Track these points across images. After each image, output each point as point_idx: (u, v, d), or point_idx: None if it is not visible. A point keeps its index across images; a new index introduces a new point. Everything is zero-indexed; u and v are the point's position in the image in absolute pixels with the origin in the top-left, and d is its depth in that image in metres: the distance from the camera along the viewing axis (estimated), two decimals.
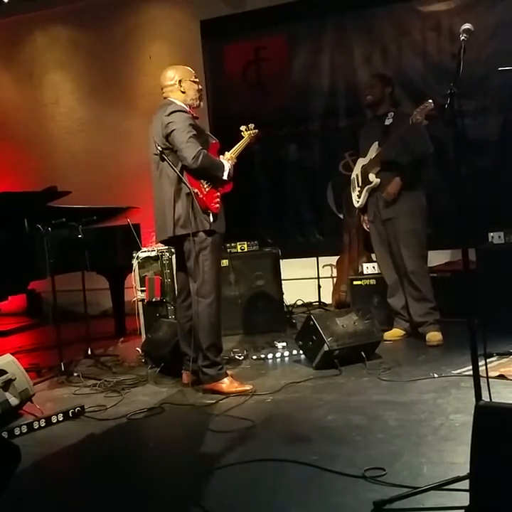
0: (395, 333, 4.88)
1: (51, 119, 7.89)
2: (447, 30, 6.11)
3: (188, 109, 3.87)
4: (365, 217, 4.96)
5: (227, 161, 3.93)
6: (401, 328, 4.88)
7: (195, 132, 3.74)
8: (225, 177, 3.86)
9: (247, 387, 3.83)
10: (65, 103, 7.80)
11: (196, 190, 3.74)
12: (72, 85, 7.77)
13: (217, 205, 3.84)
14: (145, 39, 7.44)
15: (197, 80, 3.97)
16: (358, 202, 4.96)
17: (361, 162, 4.93)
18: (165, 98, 3.94)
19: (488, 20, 5.92)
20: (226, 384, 3.84)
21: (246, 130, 4.14)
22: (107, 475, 2.87)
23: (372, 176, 4.77)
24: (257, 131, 4.18)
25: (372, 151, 4.81)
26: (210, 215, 3.80)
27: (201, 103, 4.02)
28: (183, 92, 3.90)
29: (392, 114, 4.74)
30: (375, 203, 4.82)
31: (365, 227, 5.01)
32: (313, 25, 6.72)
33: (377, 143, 4.76)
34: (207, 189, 3.80)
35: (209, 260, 3.82)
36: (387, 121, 4.74)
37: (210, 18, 7.10)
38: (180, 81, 3.91)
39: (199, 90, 3.97)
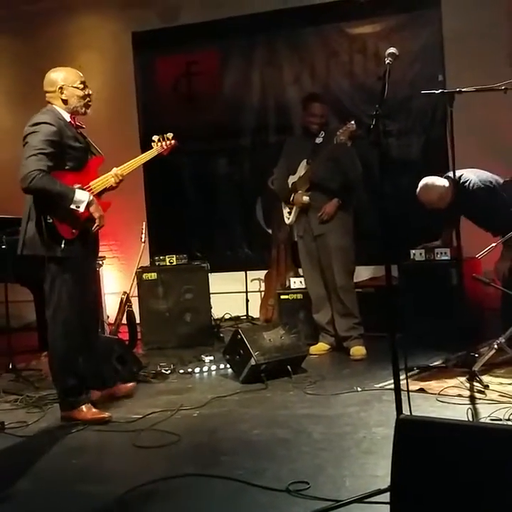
0: (320, 347, 4.95)
1: None
2: (373, 53, 6.27)
3: (68, 118, 3.60)
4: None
5: (110, 177, 3.62)
6: (326, 342, 4.96)
7: (47, 150, 3.39)
8: (77, 207, 3.43)
9: (105, 415, 3.61)
10: None
11: (47, 214, 3.44)
12: None
13: (75, 231, 3.50)
14: (75, 48, 7.29)
15: (82, 85, 3.64)
16: (288, 219, 4.99)
17: (291, 179, 4.94)
18: (48, 103, 3.63)
19: (412, 45, 6.11)
20: (83, 411, 3.60)
21: (158, 141, 3.87)
22: (25, 493, 2.77)
23: (302, 195, 4.79)
24: (173, 142, 3.88)
25: (301, 169, 4.85)
26: (63, 241, 3.47)
27: (88, 110, 3.68)
28: (65, 100, 3.60)
29: (323, 133, 4.78)
30: (306, 219, 4.86)
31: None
32: (244, 43, 6.78)
33: (305, 161, 4.81)
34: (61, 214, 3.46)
35: (65, 285, 3.54)
36: (318, 140, 4.79)
37: (143, 31, 7.06)
38: (61, 88, 3.59)
39: (85, 96, 3.64)
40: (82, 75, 3.69)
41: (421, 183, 4.58)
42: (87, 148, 3.68)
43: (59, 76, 3.64)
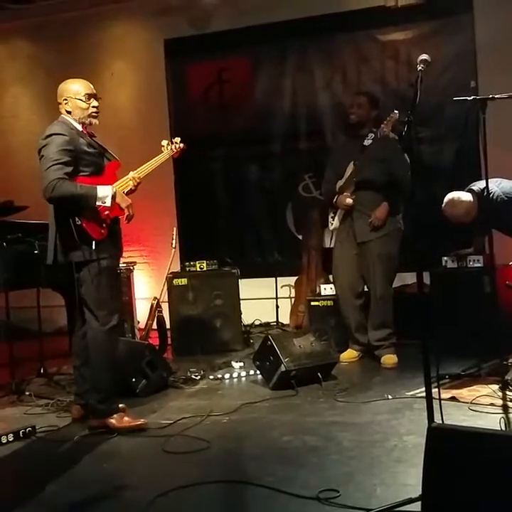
0: (349, 354, 4.91)
1: (10, 132, 7.77)
2: (405, 59, 6.24)
3: (79, 127, 3.63)
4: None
5: (129, 180, 3.65)
6: (356, 349, 4.92)
7: (64, 159, 3.44)
8: (103, 203, 3.47)
9: (140, 422, 3.60)
10: (25, 117, 7.71)
11: (75, 217, 3.47)
12: (32, 99, 7.69)
13: (103, 231, 3.54)
14: (107, 56, 7.41)
15: (85, 97, 3.64)
16: (332, 224, 4.90)
17: (339, 184, 4.83)
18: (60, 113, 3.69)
19: (445, 51, 6.06)
20: (116, 419, 3.58)
21: (167, 145, 3.93)
22: (56, 496, 2.81)
23: (346, 197, 4.71)
24: (182, 146, 3.95)
25: (348, 171, 4.77)
26: (93, 242, 3.49)
27: (95, 121, 3.69)
28: (69, 111, 3.64)
29: (372, 135, 4.68)
30: (350, 224, 4.78)
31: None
32: (275, 49, 6.79)
33: (352, 162, 4.73)
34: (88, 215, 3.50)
35: (103, 286, 3.55)
36: (367, 142, 4.68)
37: (174, 38, 7.12)
38: (65, 99, 3.65)
39: (88, 108, 3.65)
40: (90, 86, 3.70)
41: (446, 199, 4.47)
42: (102, 154, 3.70)
43: (66, 88, 3.69)
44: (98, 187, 3.50)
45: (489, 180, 3.96)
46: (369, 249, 4.73)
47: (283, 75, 6.78)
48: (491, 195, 4.25)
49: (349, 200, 4.71)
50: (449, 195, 4.47)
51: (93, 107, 3.68)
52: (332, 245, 5.25)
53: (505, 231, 4.47)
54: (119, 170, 3.74)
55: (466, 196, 4.41)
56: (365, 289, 4.91)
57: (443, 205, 4.46)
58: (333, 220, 4.88)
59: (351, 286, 4.88)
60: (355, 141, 4.84)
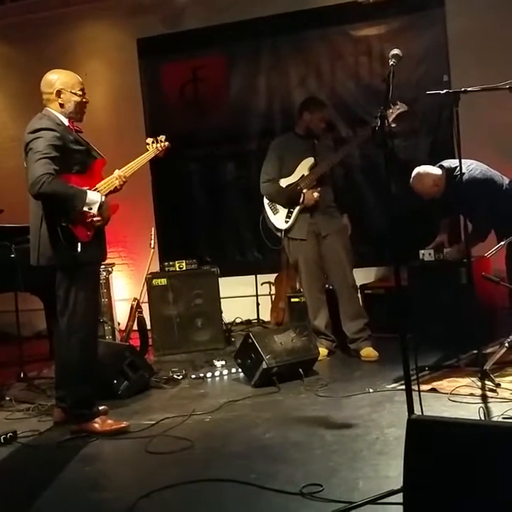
0: (321, 352, 4.87)
1: None
2: (378, 54, 6.26)
3: (66, 122, 3.55)
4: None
5: (114, 179, 3.58)
6: (324, 347, 4.89)
7: (52, 154, 3.35)
8: (89, 209, 3.38)
9: (123, 425, 3.56)
10: None
11: (62, 217, 3.38)
12: (5, 101, 7.60)
13: (89, 233, 3.45)
14: (81, 56, 7.33)
15: (81, 91, 3.58)
16: (286, 222, 4.87)
17: (287, 181, 4.87)
18: (44, 106, 3.58)
19: (418, 46, 6.10)
20: (98, 423, 3.55)
21: (152, 143, 3.85)
22: (38, 501, 2.79)
23: (312, 193, 4.75)
24: (167, 144, 3.85)
25: (304, 169, 4.82)
26: (78, 245, 3.41)
27: (83, 117, 3.64)
28: (61, 104, 3.54)
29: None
30: (311, 221, 4.81)
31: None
32: (250, 47, 6.78)
33: (312, 159, 4.79)
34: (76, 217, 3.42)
35: (83, 292, 3.50)
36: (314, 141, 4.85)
37: (148, 37, 7.08)
38: (59, 91, 3.53)
39: (81, 103, 3.59)
40: (81, 80, 3.64)
41: (414, 173, 4.63)
42: (89, 151, 3.63)
43: (58, 79, 3.58)
44: (88, 191, 3.43)
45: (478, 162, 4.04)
46: (332, 242, 4.80)
47: (258, 73, 6.77)
48: (460, 177, 4.29)
49: (316, 194, 4.76)
50: (416, 169, 4.59)
51: (85, 102, 3.64)
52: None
53: (468, 216, 4.49)
54: (104, 168, 3.68)
55: (433, 170, 4.53)
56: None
57: (411, 180, 4.56)
58: (289, 219, 4.85)
59: (319, 282, 4.93)
60: (302, 140, 4.90)
